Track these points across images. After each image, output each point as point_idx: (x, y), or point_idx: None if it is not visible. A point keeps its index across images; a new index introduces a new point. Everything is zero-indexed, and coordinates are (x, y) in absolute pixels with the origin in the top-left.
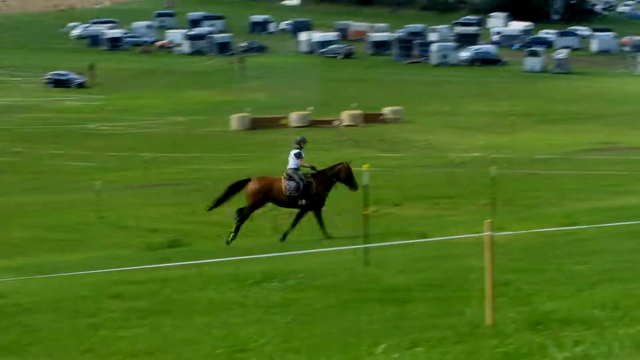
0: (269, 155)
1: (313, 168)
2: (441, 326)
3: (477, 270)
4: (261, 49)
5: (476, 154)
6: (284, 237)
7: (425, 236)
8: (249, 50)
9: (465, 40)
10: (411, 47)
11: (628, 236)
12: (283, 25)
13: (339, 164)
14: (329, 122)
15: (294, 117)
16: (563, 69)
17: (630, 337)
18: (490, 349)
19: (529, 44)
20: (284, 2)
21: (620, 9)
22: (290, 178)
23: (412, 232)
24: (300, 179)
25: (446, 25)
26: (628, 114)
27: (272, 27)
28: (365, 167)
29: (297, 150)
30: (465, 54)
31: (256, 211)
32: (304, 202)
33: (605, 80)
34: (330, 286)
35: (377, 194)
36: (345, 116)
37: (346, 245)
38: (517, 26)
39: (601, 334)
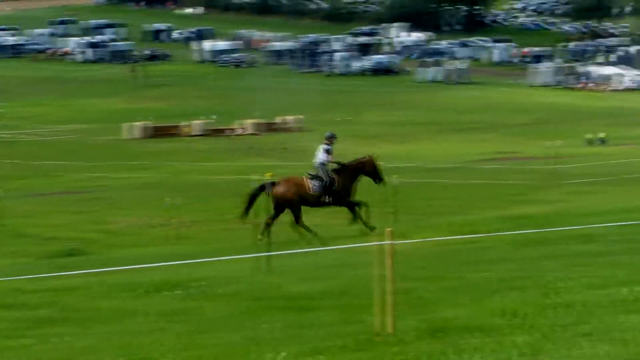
0: (170, 164)
1: (339, 164)
2: (342, 334)
3: (378, 279)
4: (163, 57)
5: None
6: (371, 227)
7: (327, 244)
8: (150, 58)
9: (366, 49)
10: (312, 56)
11: (526, 244)
12: (185, 33)
13: (363, 157)
14: (231, 130)
15: (195, 126)
16: (463, 79)
17: (528, 344)
18: (391, 356)
19: (429, 54)
20: (186, 11)
21: (520, 20)
22: (314, 177)
23: (314, 240)
24: (326, 175)
25: (347, 35)
26: (527, 124)
27: (174, 35)
28: (267, 175)
29: (327, 146)
30: (367, 63)
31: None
32: (328, 199)
33: (505, 90)
34: (232, 294)
35: None
36: (248, 125)
37: (249, 254)
38: (418, 36)
39: (500, 341)
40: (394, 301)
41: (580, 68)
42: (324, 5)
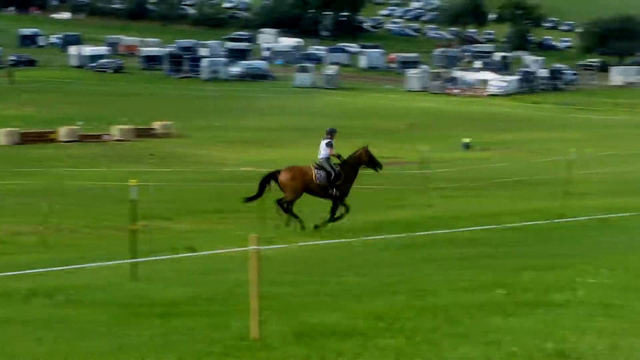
0: (42, 170)
1: (339, 157)
2: (209, 340)
3: (244, 284)
4: (30, 63)
5: (247, 169)
6: (316, 226)
7: (194, 250)
8: (17, 64)
9: (236, 55)
10: (182, 62)
11: (396, 249)
12: (53, 39)
13: (358, 150)
14: (98, 136)
15: (63, 132)
16: (332, 84)
17: (392, 348)
18: None
19: (301, 60)
20: (53, 15)
21: (388, 26)
22: (320, 167)
23: (181, 247)
24: (332, 168)
25: (217, 41)
26: (397, 129)
27: (41, 40)
28: (132, 182)
29: (328, 140)
30: (235, 69)
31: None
32: (335, 192)
33: (374, 96)
34: (99, 302)
35: (148, 209)
36: (116, 131)
37: (115, 260)
38: (288, 42)
39: (364, 345)
40: (260, 306)
41: (449, 74)
42: (196, 10)
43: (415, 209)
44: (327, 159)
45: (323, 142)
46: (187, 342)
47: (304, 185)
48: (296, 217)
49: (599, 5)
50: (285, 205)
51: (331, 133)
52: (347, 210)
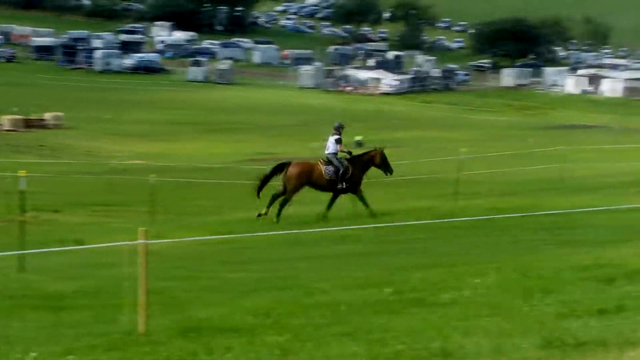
0: None
1: (349, 153)
2: (94, 334)
3: (131, 278)
4: None
5: (138, 162)
6: (324, 217)
7: (82, 243)
8: None
9: (129, 47)
10: (75, 53)
11: (284, 245)
12: None
13: (373, 150)
14: None
15: None
16: (225, 79)
17: (278, 344)
18: (141, 356)
19: (193, 54)
20: None
21: (282, 22)
22: (328, 162)
23: (70, 239)
24: (340, 163)
25: (110, 32)
26: (289, 125)
27: None
28: (21, 173)
29: (337, 136)
30: (129, 61)
31: None
32: (343, 185)
33: (268, 91)
34: None
35: (37, 200)
36: (5, 121)
37: (3, 252)
38: (181, 36)
39: (251, 341)
40: (147, 301)
41: (341, 71)
42: (90, 2)
43: (299, 206)
44: (335, 154)
45: (332, 138)
46: (74, 335)
47: (309, 181)
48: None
49: (494, 6)
50: (282, 201)
51: (339, 129)
52: (364, 202)
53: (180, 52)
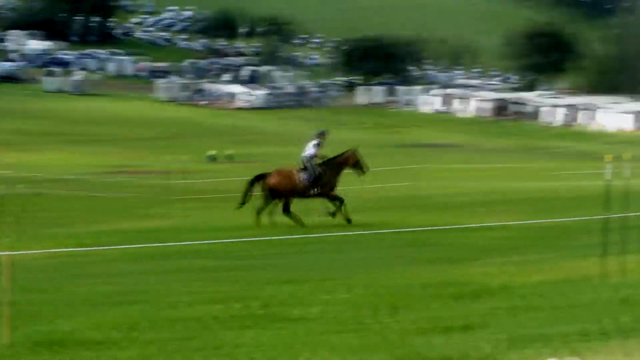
0: None
1: (325, 157)
2: None
3: None
4: None
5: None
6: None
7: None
8: None
9: None
10: None
11: (143, 259)
12: None
13: (346, 152)
14: None
15: None
16: (79, 90)
17: (126, 358)
18: None
19: (55, 64)
20: None
21: (139, 34)
22: (303, 169)
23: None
24: (313, 168)
25: None
26: (145, 137)
27: None
28: None
29: (317, 141)
30: None
31: None
32: (316, 190)
33: (123, 103)
34: None
35: None
36: None
37: None
38: (37, 45)
39: (115, 356)
40: (11, 313)
41: (204, 85)
42: None
43: (157, 219)
44: (311, 158)
45: (310, 143)
46: None
47: (289, 188)
48: (296, 219)
49: (357, 24)
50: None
51: (322, 135)
52: (341, 202)
53: (35, 62)
